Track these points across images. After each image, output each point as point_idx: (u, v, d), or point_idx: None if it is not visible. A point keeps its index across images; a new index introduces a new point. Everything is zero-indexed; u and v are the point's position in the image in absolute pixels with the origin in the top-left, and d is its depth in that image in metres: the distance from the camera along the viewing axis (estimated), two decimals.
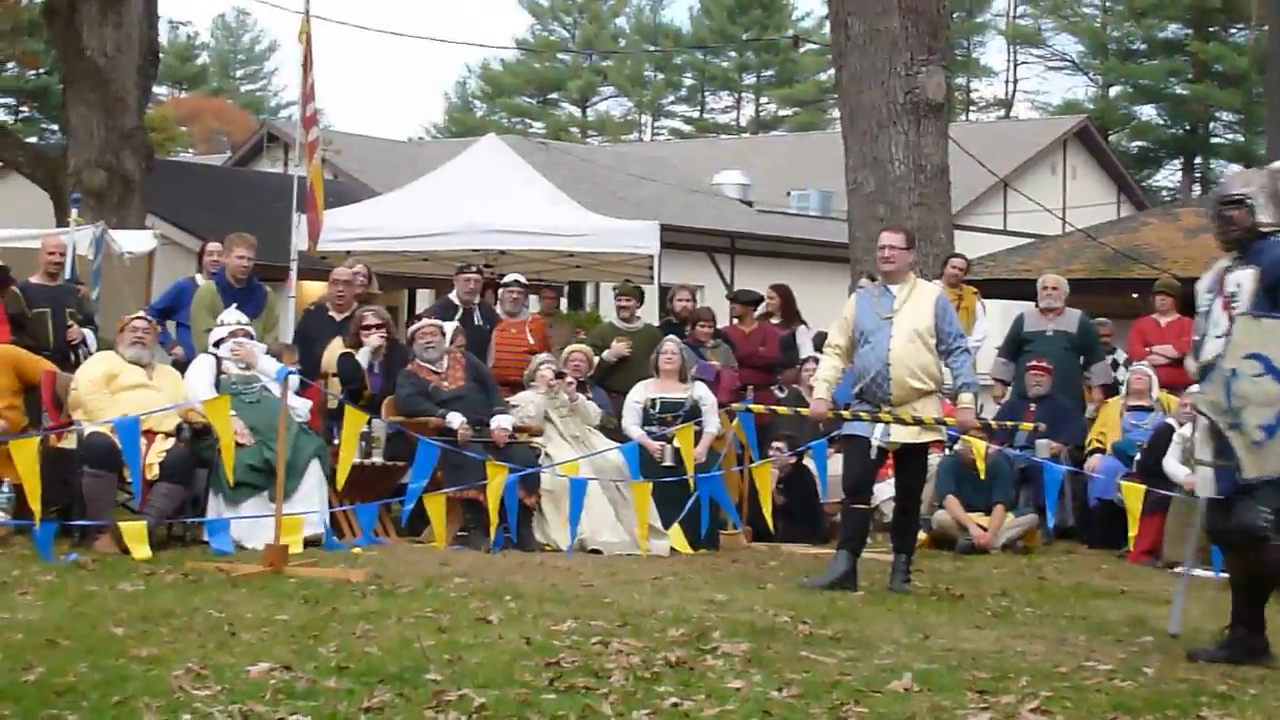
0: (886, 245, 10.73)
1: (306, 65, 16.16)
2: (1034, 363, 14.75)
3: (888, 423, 10.47)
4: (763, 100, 78.94)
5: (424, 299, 26.55)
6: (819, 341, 16.63)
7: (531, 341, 14.59)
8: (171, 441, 11.26)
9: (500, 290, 15.24)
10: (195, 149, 59.92)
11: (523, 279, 15.36)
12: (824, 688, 6.91)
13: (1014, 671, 7.48)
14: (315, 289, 19.69)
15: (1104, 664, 7.77)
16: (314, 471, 11.64)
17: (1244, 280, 8.17)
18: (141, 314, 12.42)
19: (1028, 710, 6.54)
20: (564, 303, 30.79)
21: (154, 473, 11.08)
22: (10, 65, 49.44)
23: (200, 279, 14.36)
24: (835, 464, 13.12)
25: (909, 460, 10.77)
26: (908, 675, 7.16)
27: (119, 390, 11.38)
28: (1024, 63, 72.83)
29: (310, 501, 11.55)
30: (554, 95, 79.99)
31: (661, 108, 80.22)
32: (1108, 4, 66.17)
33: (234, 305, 12.64)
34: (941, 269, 15.84)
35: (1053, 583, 11.37)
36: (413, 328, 13.47)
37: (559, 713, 6.18)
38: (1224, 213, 8.38)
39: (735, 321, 16.22)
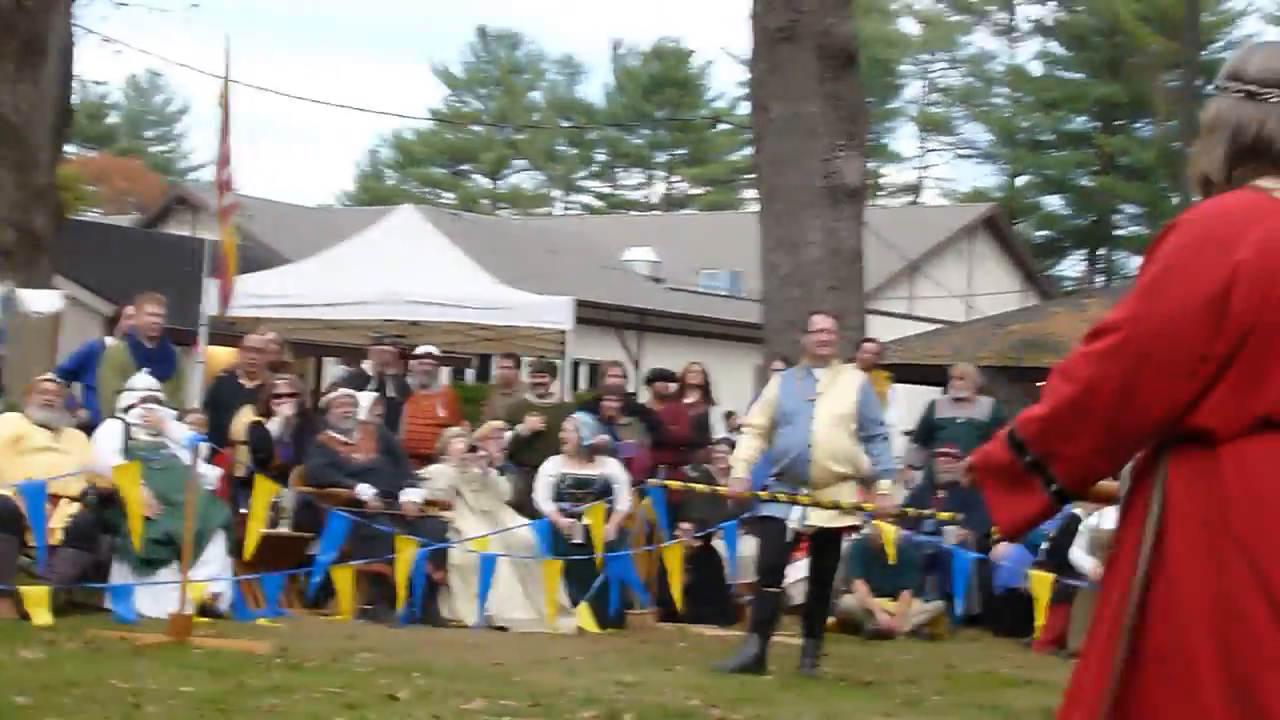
0: (823, 329, 10.73)
1: (224, 129, 16.10)
2: (944, 449, 14.77)
3: (806, 505, 10.45)
4: (674, 179, 79.22)
5: (330, 367, 26.41)
6: (731, 422, 16.67)
7: (443, 414, 14.52)
8: (76, 506, 11.10)
9: (412, 362, 15.16)
10: (103, 209, 59.43)
11: (436, 351, 15.32)
12: None
13: None
14: (223, 354, 19.55)
15: None
16: (220, 541, 11.50)
17: None
18: (50, 375, 12.26)
19: None
20: (470, 375, 30.80)
21: (57, 538, 10.92)
22: None
23: (111, 341, 14.19)
24: (745, 545, 13.09)
25: (825, 545, 10.76)
26: None
27: (26, 452, 11.22)
28: (933, 150, 73.58)
29: (215, 570, 11.40)
30: (466, 166, 79.97)
31: (573, 182, 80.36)
32: (1018, 95, 66.89)
33: (145, 369, 12.49)
34: (854, 353, 15.88)
35: (960, 670, 11.35)
36: (328, 397, 13.39)
37: None
38: None
39: (651, 400, 16.20)
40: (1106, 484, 3.99)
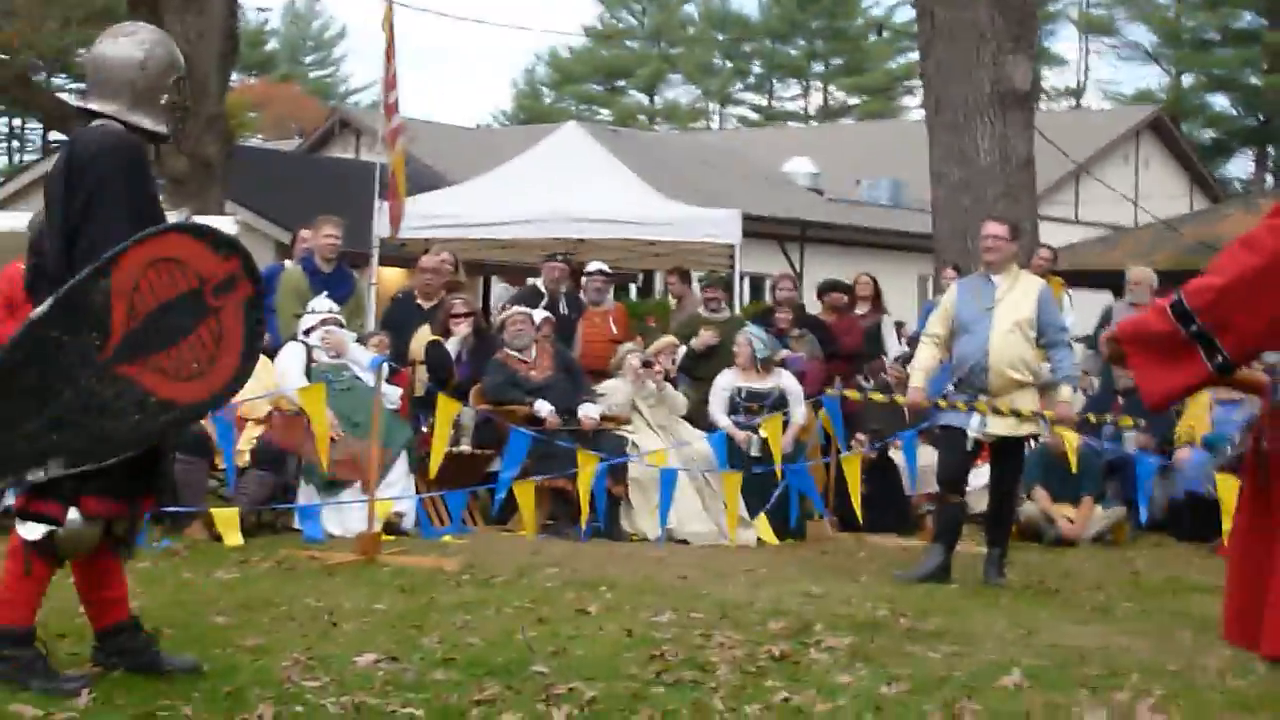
0: (990, 235, 10.60)
1: (389, 52, 16.17)
2: None
3: (985, 413, 10.36)
4: (831, 89, 78.66)
5: (497, 286, 26.54)
6: (903, 333, 16.57)
7: (615, 330, 14.55)
8: (263, 429, 11.27)
9: (584, 279, 15.20)
10: (265, 135, 60.10)
11: (606, 267, 15.33)
12: (933, 683, 6.84)
13: (1123, 669, 7.39)
14: (394, 276, 19.72)
15: (1213, 662, 7.67)
16: (403, 460, 11.64)
17: None
18: None
19: (1144, 708, 6.44)
20: (633, 290, 30.83)
21: (245, 460, 11.10)
22: (85, 52, 49.61)
23: (290, 264, 14.32)
24: (923, 455, 13.01)
25: (1005, 453, 10.66)
26: (1017, 671, 7.07)
27: None
28: (1096, 52, 72.59)
29: (400, 489, 11.54)
30: (621, 83, 79.89)
31: (730, 95, 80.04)
32: None
33: (324, 293, 12.60)
34: (1028, 260, 15.70)
35: (1146, 577, 11.24)
36: (502, 315, 13.45)
37: (670, 707, 6.12)
38: None
39: (821, 312, 16.12)
40: (1252, 372, 3.93)
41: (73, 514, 5.73)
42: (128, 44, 6.12)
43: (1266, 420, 3.95)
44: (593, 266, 15.17)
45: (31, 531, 5.73)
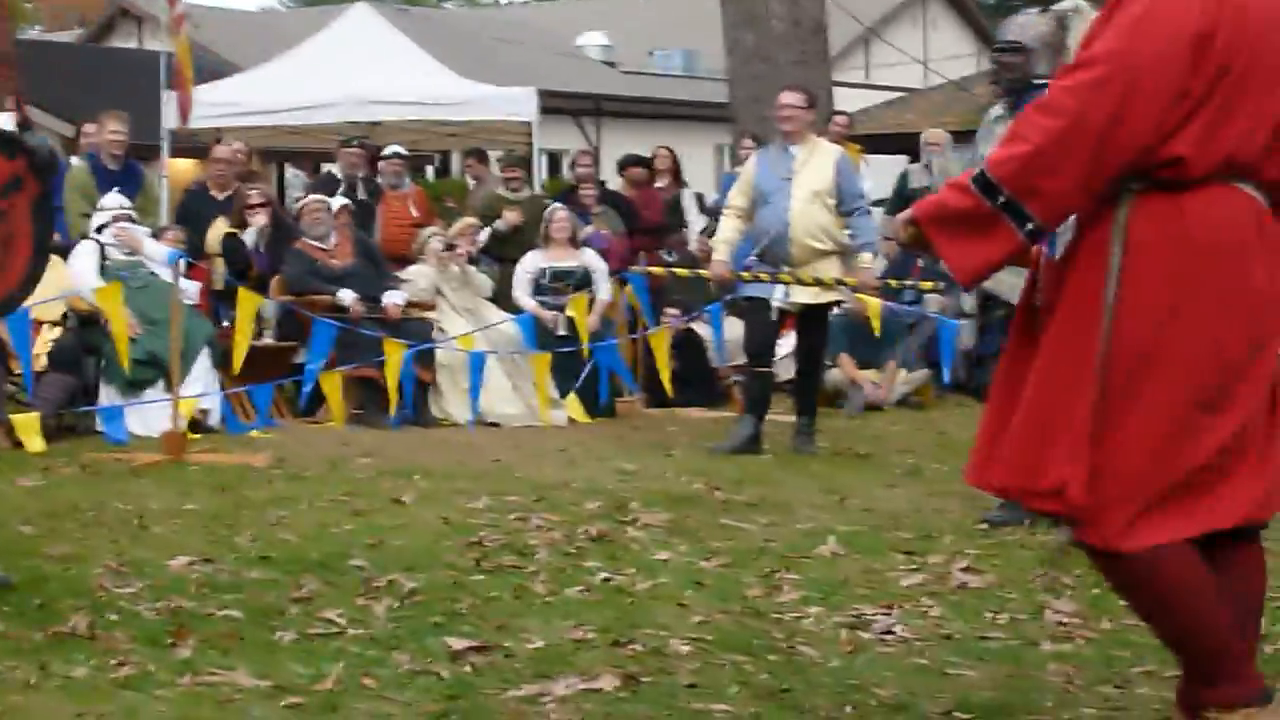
0: (786, 105, 10.61)
1: None
2: None
3: (789, 284, 10.41)
4: None
5: (293, 175, 26.16)
6: (704, 204, 16.58)
7: (416, 214, 14.39)
8: (59, 331, 11.02)
9: (381, 163, 14.97)
10: (44, 26, 58.49)
11: (404, 150, 15.14)
12: (751, 555, 6.92)
13: (936, 530, 7.52)
14: (186, 168, 19.33)
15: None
16: (205, 356, 11.43)
17: None
18: None
19: (957, 569, 6.56)
20: (430, 172, 30.56)
21: (43, 364, 10.85)
22: None
23: (76, 161, 13.96)
24: (730, 327, 13.05)
25: (811, 321, 10.74)
26: (832, 539, 7.18)
27: None
28: None
29: (203, 386, 11.35)
30: None
31: None
32: None
33: (114, 189, 12.30)
34: (824, 127, 15.74)
35: (953, 437, 11.37)
36: (299, 203, 13.25)
37: (492, 594, 6.13)
38: (1001, 59, 8.40)
39: (623, 187, 16.06)
40: None
41: None
42: None
43: (1041, 272, 4.08)
44: (389, 150, 14.96)
45: None
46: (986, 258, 3.86)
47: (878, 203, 16.09)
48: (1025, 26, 8.28)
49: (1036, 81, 8.00)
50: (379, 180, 14.82)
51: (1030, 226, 3.79)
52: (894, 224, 4.61)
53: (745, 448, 10.41)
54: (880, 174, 17.95)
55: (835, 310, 13.08)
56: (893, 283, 12.75)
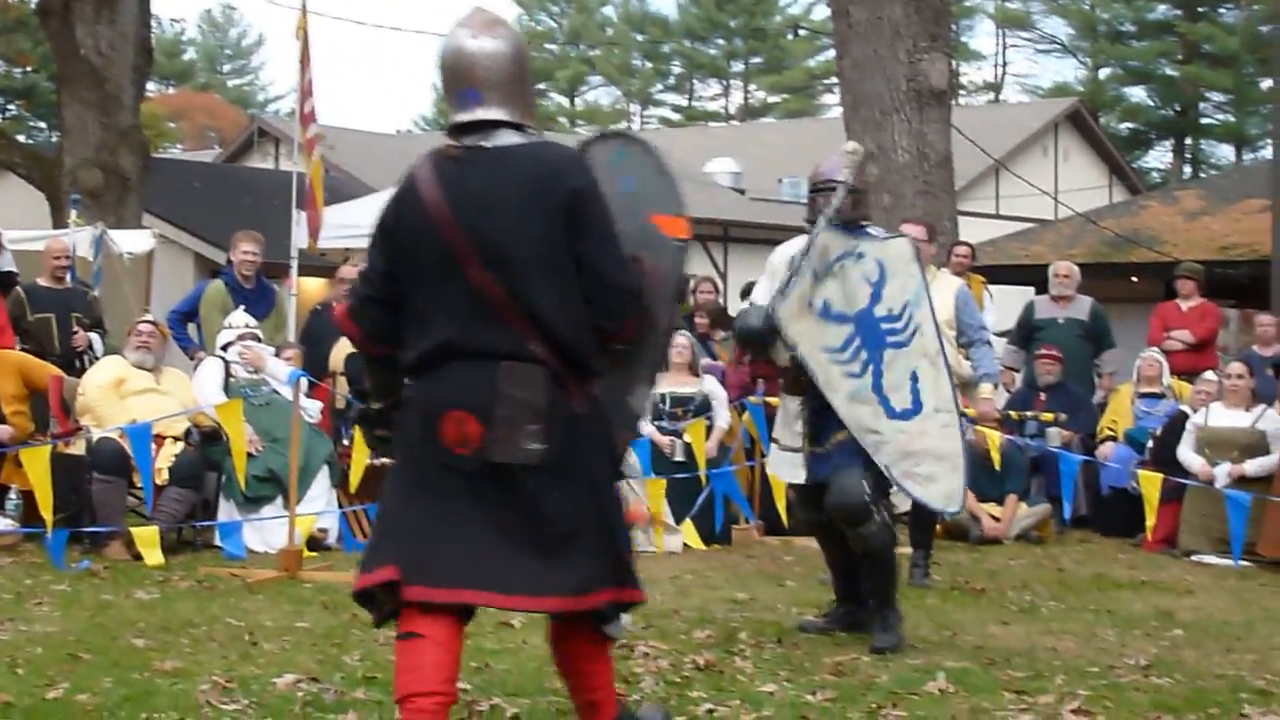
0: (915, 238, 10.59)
1: (304, 61, 16.08)
2: (1044, 351, 14.53)
3: None
4: (751, 88, 78.69)
5: None
6: None
7: None
8: (180, 446, 11.16)
9: None
10: (184, 145, 59.72)
11: None
12: (858, 690, 6.83)
13: (1048, 670, 7.40)
14: (313, 286, 19.60)
15: (1137, 660, 7.69)
16: (324, 474, 11.54)
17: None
18: (147, 318, 12.28)
19: (1068, 711, 6.46)
20: None
21: (164, 478, 10.98)
22: None
23: (214, 281, 14.14)
24: None
25: None
26: (942, 675, 7.08)
27: (128, 395, 11.27)
28: (1013, 46, 72.64)
29: (321, 504, 11.45)
30: (542, 85, 79.66)
31: (650, 96, 80.00)
32: None
33: (241, 307, 12.49)
34: (947, 257, 15.70)
35: (1072, 574, 11.26)
36: None
37: None
38: (815, 199, 8.86)
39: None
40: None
41: None
42: None
43: None
44: None
45: None
46: None
47: (1002, 334, 16.02)
48: (838, 165, 8.57)
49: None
50: None
51: None
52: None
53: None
54: (1006, 305, 17.87)
55: None
56: (1013, 414, 12.64)
